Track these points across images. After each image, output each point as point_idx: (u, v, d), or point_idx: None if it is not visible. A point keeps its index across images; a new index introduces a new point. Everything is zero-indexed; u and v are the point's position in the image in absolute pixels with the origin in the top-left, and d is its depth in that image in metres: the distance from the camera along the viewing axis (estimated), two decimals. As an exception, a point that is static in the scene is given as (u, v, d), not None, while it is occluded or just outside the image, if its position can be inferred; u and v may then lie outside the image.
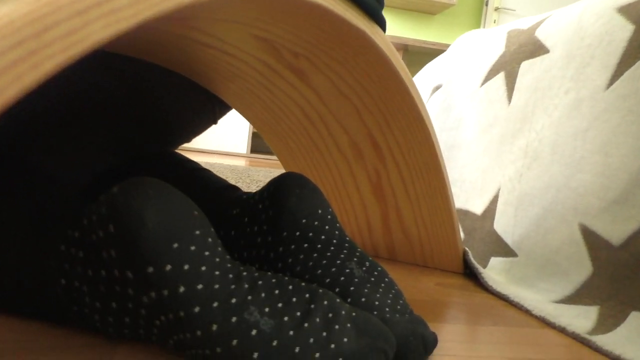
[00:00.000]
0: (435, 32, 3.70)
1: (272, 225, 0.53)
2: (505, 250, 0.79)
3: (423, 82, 1.13)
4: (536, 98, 0.78)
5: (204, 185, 0.63)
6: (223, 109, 0.72)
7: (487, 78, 0.90)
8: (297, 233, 0.52)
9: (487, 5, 3.72)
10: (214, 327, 0.36)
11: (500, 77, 0.87)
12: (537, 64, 0.79)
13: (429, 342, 0.46)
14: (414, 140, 0.68)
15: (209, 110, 0.69)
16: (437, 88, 1.04)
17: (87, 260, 0.38)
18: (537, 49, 0.80)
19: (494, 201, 0.84)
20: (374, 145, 0.72)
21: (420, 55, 3.71)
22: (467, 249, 0.81)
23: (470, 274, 0.82)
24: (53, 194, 0.47)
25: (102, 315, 0.40)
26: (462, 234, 0.90)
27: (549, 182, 0.72)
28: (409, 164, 0.72)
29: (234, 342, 0.36)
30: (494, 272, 0.80)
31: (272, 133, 0.78)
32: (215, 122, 0.73)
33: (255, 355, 0.36)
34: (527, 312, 0.65)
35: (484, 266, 0.83)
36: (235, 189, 0.63)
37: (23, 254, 0.42)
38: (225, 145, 3.26)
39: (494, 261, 0.81)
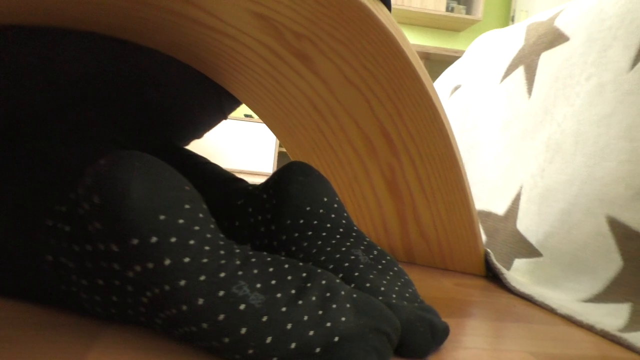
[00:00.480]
0: (460, 47, 3.68)
1: (276, 214, 0.51)
2: (529, 250, 0.75)
3: (442, 83, 1.10)
4: (557, 88, 0.74)
5: (210, 178, 0.61)
6: (232, 103, 0.71)
7: (507, 74, 0.87)
8: (301, 221, 0.50)
9: (513, 20, 3.68)
10: (200, 301, 0.34)
11: (519, 72, 0.84)
12: (557, 54, 0.76)
13: (439, 330, 0.42)
14: (427, 130, 0.65)
15: (216, 103, 0.68)
16: (456, 88, 1.02)
17: (73, 235, 0.37)
18: (556, 38, 0.77)
19: (516, 200, 0.80)
20: (386, 137, 0.69)
21: (444, 64, 3.68)
22: (488, 250, 0.77)
23: (493, 277, 0.78)
24: (52, 181, 0.46)
25: (89, 293, 0.38)
26: (484, 236, 0.86)
27: (572, 174, 0.68)
28: (423, 156, 0.69)
29: (221, 316, 0.34)
30: (518, 274, 0.75)
31: (283, 129, 0.77)
32: (225, 117, 0.72)
33: (244, 330, 0.33)
34: (551, 311, 0.61)
35: (508, 268, 0.78)
36: (240, 181, 0.61)
37: (10, 232, 0.41)
38: (251, 165, 3.28)
39: (518, 262, 0.77)
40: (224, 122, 3.28)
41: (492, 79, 0.91)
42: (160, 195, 0.34)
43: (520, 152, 0.80)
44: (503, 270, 0.72)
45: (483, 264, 0.76)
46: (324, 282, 0.37)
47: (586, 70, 0.70)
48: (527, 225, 0.75)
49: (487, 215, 0.86)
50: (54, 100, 0.53)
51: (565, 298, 0.64)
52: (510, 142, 0.83)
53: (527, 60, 0.83)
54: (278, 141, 3.25)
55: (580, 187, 0.67)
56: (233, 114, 3.59)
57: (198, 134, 0.71)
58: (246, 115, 3.49)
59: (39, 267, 0.40)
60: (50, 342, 0.37)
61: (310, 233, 0.49)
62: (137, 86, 0.58)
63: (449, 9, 3.50)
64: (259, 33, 0.53)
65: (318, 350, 0.34)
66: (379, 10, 0.49)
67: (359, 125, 0.70)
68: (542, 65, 0.79)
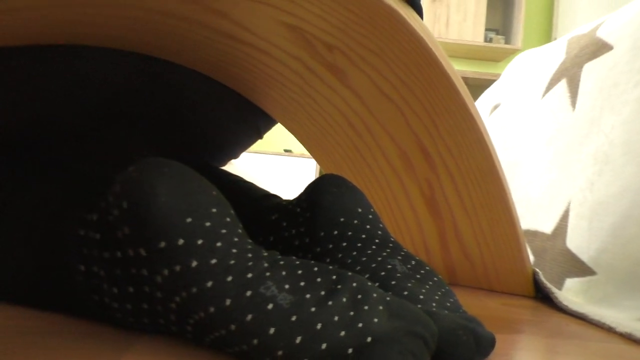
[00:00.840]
0: (499, 72, 3.64)
1: (309, 227, 0.50)
2: (581, 268, 0.70)
3: (481, 104, 1.08)
4: (603, 99, 0.71)
5: (244, 195, 0.61)
6: (268, 122, 0.71)
7: (548, 88, 0.85)
8: (335, 232, 0.49)
9: (554, 49, 3.62)
10: (228, 302, 0.33)
11: (562, 85, 0.81)
12: (601, 64, 0.73)
13: (484, 339, 0.39)
14: (465, 143, 0.63)
15: (252, 123, 0.68)
16: (496, 107, 0.99)
17: (103, 242, 0.37)
18: (599, 49, 0.74)
19: (564, 217, 0.76)
20: (424, 152, 0.68)
21: (483, 89, 3.63)
22: (537, 269, 0.73)
23: (543, 298, 0.73)
24: (85, 194, 0.46)
25: (121, 302, 0.38)
26: (531, 257, 0.82)
27: (623, 185, 0.64)
28: (462, 170, 0.67)
29: (249, 317, 0.33)
30: (571, 294, 0.71)
31: (319, 148, 0.76)
32: (260, 137, 0.72)
33: (272, 330, 0.32)
34: (609, 329, 0.56)
35: (559, 289, 0.74)
36: (274, 197, 0.61)
37: (45, 244, 0.42)
38: (291, 190, 3.29)
39: (570, 283, 0.72)
40: (264, 157, 3.33)
41: (533, 95, 0.88)
42: (187, 198, 0.34)
43: (566, 167, 0.77)
44: (554, 289, 0.68)
45: (531, 284, 0.72)
46: (354, 284, 0.36)
47: (633, 78, 0.67)
48: (578, 242, 0.71)
49: (533, 235, 0.82)
50: (88, 118, 0.55)
51: (622, 316, 0.59)
52: (555, 157, 0.80)
53: (569, 73, 0.81)
54: (318, 175, 3.27)
55: (632, 199, 0.63)
56: (273, 149, 3.64)
57: (234, 154, 0.71)
58: (286, 150, 3.53)
59: (72, 277, 0.40)
60: (84, 349, 0.36)
61: (344, 244, 0.48)
62: (171, 105, 0.59)
63: (488, 39, 3.48)
64: (291, 46, 0.53)
65: (350, 351, 0.32)
66: (410, 16, 0.49)
67: (394, 140, 0.68)
68: (586, 76, 0.76)
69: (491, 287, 0.76)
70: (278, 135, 3.68)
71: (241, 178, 0.65)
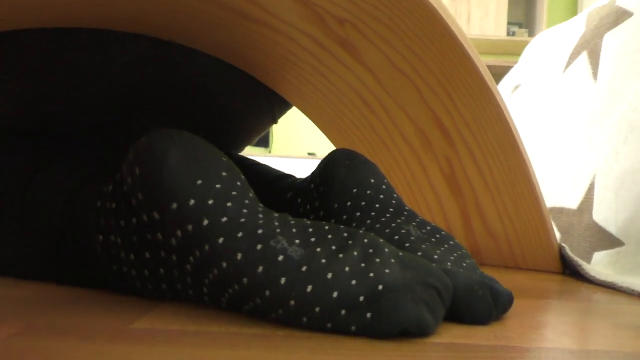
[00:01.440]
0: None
1: (323, 200, 0.50)
2: (609, 241, 0.69)
3: (501, 86, 1.07)
4: (625, 66, 0.69)
5: (260, 176, 0.62)
6: (282, 106, 0.72)
7: (569, 63, 0.83)
8: (348, 203, 0.49)
9: (579, 38, 3.55)
10: (239, 256, 0.33)
11: (582, 58, 0.80)
12: (622, 31, 0.71)
13: (501, 295, 0.39)
14: (483, 116, 0.63)
15: (266, 108, 0.69)
16: (516, 87, 0.98)
17: (119, 211, 0.38)
18: (619, 17, 0.73)
19: (589, 190, 0.74)
20: (441, 129, 0.67)
21: (501, 77, 3.57)
22: (563, 244, 0.71)
23: (572, 273, 0.72)
24: (103, 172, 0.48)
25: (139, 269, 0.39)
26: (557, 234, 0.80)
27: (650, 151, 0.63)
28: (481, 146, 0.66)
29: (260, 269, 0.33)
30: (599, 267, 0.69)
31: (336, 130, 0.77)
32: (275, 121, 0.73)
33: (283, 280, 0.33)
34: (639, 296, 0.55)
35: (588, 263, 0.72)
36: (290, 176, 0.62)
37: (66, 218, 0.43)
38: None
39: (598, 256, 0.70)
40: (288, 160, 3.34)
41: (553, 72, 0.87)
42: (198, 163, 0.35)
43: (590, 140, 0.75)
44: (581, 261, 0.66)
45: (558, 259, 0.71)
46: (366, 240, 0.36)
47: (655, 42, 0.65)
48: (605, 214, 0.70)
49: (559, 212, 0.80)
50: (109, 108, 0.56)
51: (654, 285, 0.57)
52: (578, 131, 0.78)
53: (589, 45, 0.79)
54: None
55: (660, 165, 0.61)
56: (297, 153, 3.66)
57: (249, 139, 0.72)
58: (309, 154, 3.54)
59: (92, 249, 0.41)
60: (106, 310, 0.37)
61: (358, 214, 0.48)
62: (190, 94, 0.60)
63: (510, 33, 3.44)
64: (303, 22, 0.54)
65: (362, 299, 0.32)
66: (419, -16, 0.49)
67: (411, 118, 0.68)
68: (606, 46, 0.74)
69: (517, 265, 0.75)
70: (302, 139, 3.70)
71: (255, 161, 0.66)
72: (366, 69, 0.62)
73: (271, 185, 0.59)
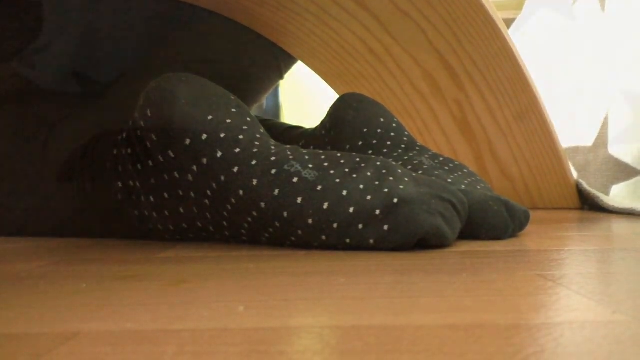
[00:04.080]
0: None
1: (335, 144, 0.51)
2: (626, 171, 0.68)
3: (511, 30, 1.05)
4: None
5: (270, 129, 0.63)
6: (288, 61, 0.72)
7: (575, -1, 0.82)
8: (360, 143, 0.49)
9: None
10: (254, 181, 0.34)
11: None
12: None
13: (517, 211, 0.39)
14: (490, 53, 0.62)
15: (272, 62, 0.69)
16: (524, 23, 0.96)
17: (135, 155, 0.39)
18: (624, -56, 0.71)
19: (604, 125, 0.74)
20: (449, 70, 0.67)
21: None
22: (579, 180, 0.71)
23: (590, 208, 0.71)
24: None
25: (159, 211, 0.40)
26: (574, 172, 0.80)
27: (663, 75, 0.62)
28: (491, 85, 0.66)
29: (276, 191, 0.34)
30: (619, 198, 0.69)
31: (344, 83, 0.77)
32: (281, 77, 0.73)
33: (299, 199, 0.33)
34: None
35: (605, 198, 0.71)
36: (300, 127, 0.62)
37: (88, 172, 0.44)
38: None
39: (616, 189, 0.70)
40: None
41: (561, 9, 0.85)
42: (207, 100, 0.36)
43: (603, 73, 0.74)
44: (598, 193, 0.66)
45: (576, 195, 0.71)
46: (378, 163, 0.36)
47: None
48: (620, 145, 0.69)
49: (575, 151, 0.80)
50: (120, 68, 0.57)
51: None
52: (590, 66, 0.77)
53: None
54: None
55: (674, 88, 0.61)
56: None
57: (258, 97, 0.72)
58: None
59: (113, 197, 0.42)
60: (134, 247, 0.39)
61: (370, 152, 0.48)
62: (200, 53, 0.61)
63: None
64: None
65: (378, 212, 0.33)
66: None
67: (418, 63, 0.68)
68: (613, -24, 0.73)
69: (534, 205, 0.75)
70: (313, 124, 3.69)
71: (263, 117, 0.67)
72: (370, 15, 0.62)
73: (282, 136, 0.60)
